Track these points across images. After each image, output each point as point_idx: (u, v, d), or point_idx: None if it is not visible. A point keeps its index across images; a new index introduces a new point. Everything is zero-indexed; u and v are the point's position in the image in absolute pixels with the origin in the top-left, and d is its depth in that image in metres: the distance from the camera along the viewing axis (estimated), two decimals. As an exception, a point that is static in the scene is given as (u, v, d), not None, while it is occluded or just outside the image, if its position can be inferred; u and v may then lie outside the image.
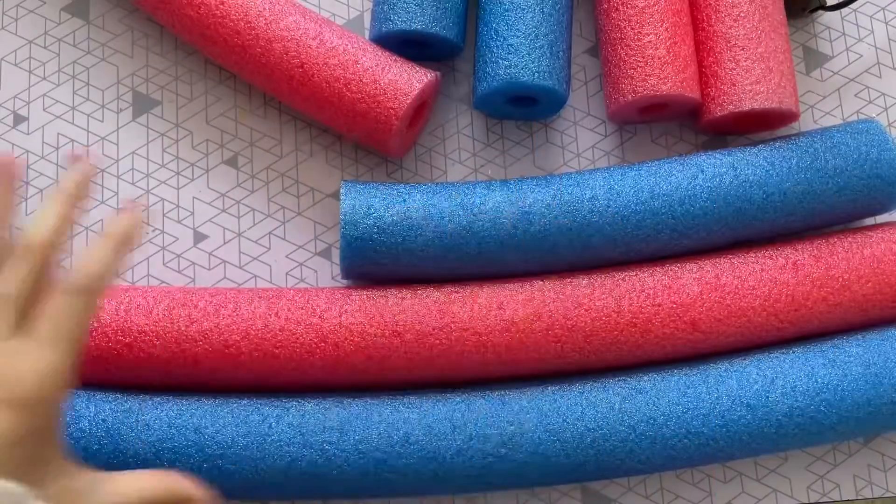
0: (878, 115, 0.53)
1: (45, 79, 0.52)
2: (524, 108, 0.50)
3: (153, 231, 0.50)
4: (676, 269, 0.46)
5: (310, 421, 0.43)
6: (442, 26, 0.47)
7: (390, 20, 0.47)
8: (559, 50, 0.47)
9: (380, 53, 0.47)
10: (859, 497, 0.48)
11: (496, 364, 0.45)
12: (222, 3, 0.47)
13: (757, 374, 0.44)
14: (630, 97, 0.47)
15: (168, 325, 0.44)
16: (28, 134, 0.51)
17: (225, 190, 0.51)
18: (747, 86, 0.47)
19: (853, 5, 0.54)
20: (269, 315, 0.44)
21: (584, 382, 0.45)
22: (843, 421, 0.44)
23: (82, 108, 0.51)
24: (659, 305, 0.45)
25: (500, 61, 0.47)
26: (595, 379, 0.45)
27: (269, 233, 0.50)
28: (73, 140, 0.51)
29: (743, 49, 0.47)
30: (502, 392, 0.44)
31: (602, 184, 0.46)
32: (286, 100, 0.48)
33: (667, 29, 0.47)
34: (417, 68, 0.47)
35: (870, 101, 0.53)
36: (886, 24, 0.54)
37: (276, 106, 0.52)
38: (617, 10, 0.48)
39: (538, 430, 0.43)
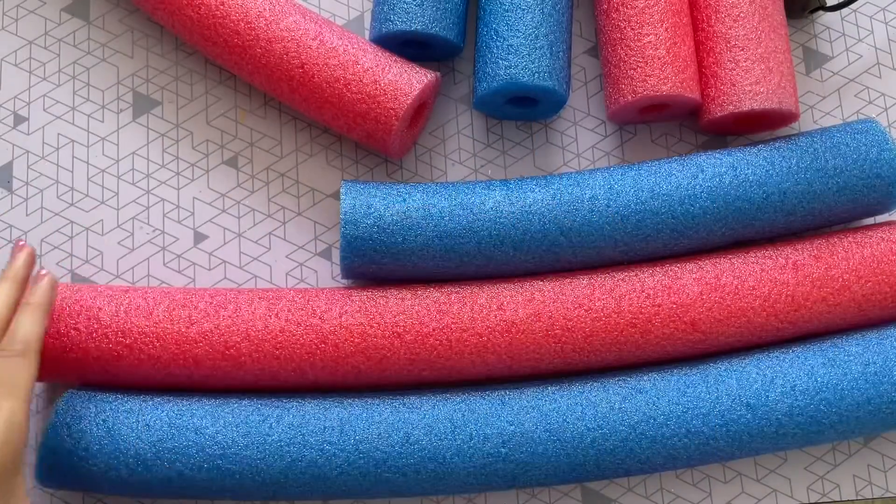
0: (878, 116, 0.53)
1: (45, 79, 0.52)
2: (524, 109, 0.50)
3: (153, 231, 0.50)
4: (676, 269, 0.46)
5: (310, 421, 0.43)
6: (442, 27, 0.47)
7: (390, 20, 0.47)
8: (559, 50, 0.48)
9: (380, 54, 0.47)
10: (859, 497, 0.48)
11: (496, 364, 0.45)
12: (222, 4, 0.47)
13: (757, 373, 0.44)
14: (630, 98, 0.47)
15: (168, 326, 0.44)
16: (28, 134, 0.51)
17: (225, 190, 0.51)
18: (747, 86, 0.47)
19: (853, 6, 0.54)
20: (270, 316, 0.44)
21: (584, 382, 0.45)
22: (842, 420, 0.44)
23: (82, 108, 0.51)
24: (659, 306, 0.45)
25: (500, 62, 0.47)
26: (595, 379, 0.45)
27: (270, 233, 0.50)
28: (73, 140, 0.51)
29: (743, 49, 0.47)
30: (502, 392, 0.44)
31: (602, 184, 0.46)
32: (286, 100, 0.48)
33: (667, 29, 0.47)
34: (417, 69, 0.47)
35: (870, 102, 0.53)
36: (886, 24, 0.54)
37: (276, 106, 0.52)
38: (617, 10, 0.48)
39: (538, 430, 0.43)
